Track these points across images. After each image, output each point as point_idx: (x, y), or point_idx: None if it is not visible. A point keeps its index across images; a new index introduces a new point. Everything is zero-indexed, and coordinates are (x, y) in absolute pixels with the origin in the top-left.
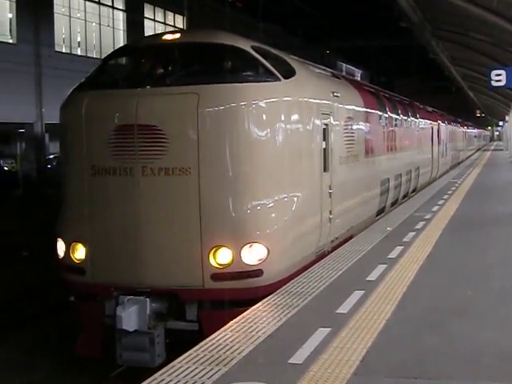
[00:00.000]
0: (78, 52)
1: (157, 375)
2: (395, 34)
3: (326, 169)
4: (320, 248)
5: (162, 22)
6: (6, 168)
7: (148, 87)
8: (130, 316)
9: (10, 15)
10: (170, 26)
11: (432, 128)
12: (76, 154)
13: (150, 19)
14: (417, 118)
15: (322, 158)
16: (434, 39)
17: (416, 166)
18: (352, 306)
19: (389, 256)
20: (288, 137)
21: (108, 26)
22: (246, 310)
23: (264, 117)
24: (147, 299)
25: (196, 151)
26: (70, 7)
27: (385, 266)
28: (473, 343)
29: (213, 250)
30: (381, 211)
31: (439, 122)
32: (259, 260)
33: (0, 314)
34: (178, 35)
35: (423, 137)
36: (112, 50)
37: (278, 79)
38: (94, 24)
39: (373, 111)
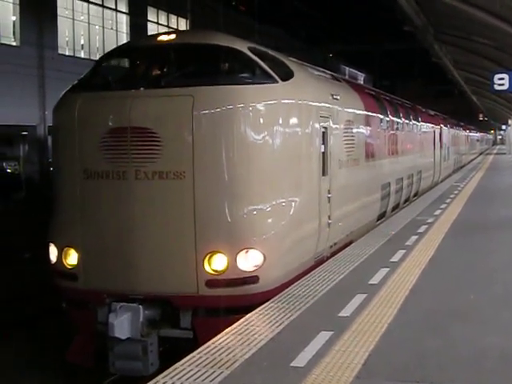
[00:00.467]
0: (82, 55)
1: (159, 378)
2: (398, 37)
3: (324, 173)
4: (318, 254)
5: (165, 25)
6: (8, 170)
7: (142, 89)
8: (122, 323)
9: (14, 18)
10: (173, 28)
11: (434, 132)
12: (68, 157)
13: (154, 22)
14: (419, 122)
15: (321, 161)
16: (436, 43)
17: (418, 170)
18: (354, 309)
19: (391, 259)
20: (285, 140)
21: (111, 28)
22: (241, 318)
23: (261, 120)
24: (140, 306)
25: (191, 155)
26: (73, 10)
27: (387, 269)
28: (475, 347)
29: (208, 256)
30: (381, 216)
31: (441, 125)
32: (255, 266)
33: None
34: (173, 36)
35: (425, 140)
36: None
37: (275, 81)
38: (97, 27)
39: (373, 114)
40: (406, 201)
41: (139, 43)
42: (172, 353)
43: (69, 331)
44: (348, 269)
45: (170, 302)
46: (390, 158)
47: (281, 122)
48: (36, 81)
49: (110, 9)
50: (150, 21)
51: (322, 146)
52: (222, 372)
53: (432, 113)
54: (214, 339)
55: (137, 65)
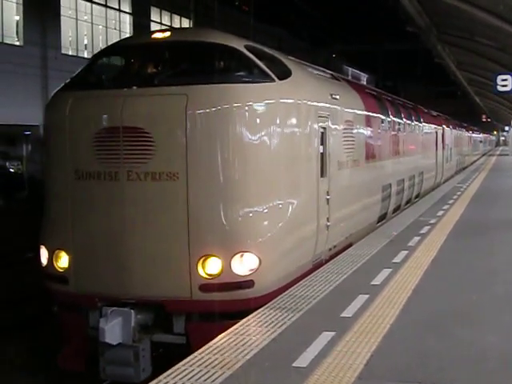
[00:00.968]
0: (85, 55)
1: (161, 377)
2: (401, 38)
3: (323, 174)
4: (317, 257)
5: (168, 25)
6: (11, 170)
7: (135, 88)
8: (113, 329)
9: (17, 17)
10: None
11: (436, 132)
12: (59, 157)
13: (157, 22)
14: (420, 122)
15: (319, 162)
16: (439, 43)
17: (419, 171)
18: (356, 309)
19: (394, 260)
20: (282, 141)
21: (115, 28)
22: (236, 323)
23: (257, 119)
24: (132, 311)
25: (184, 155)
26: (76, 10)
27: (390, 270)
28: (477, 348)
29: (201, 260)
30: (382, 218)
31: (444, 126)
32: (250, 270)
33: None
34: (168, 34)
35: (427, 141)
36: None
37: (272, 80)
38: (100, 27)
39: (374, 114)
40: (407, 202)
41: (133, 41)
42: (166, 358)
43: (53, 340)
44: (350, 269)
45: (163, 307)
46: (391, 159)
47: (278, 121)
48: (39, 80)
49: (114, 9)
50: (153, 21)
51: (321, 147)
52: (223, 372)
53: (434, 113)
54: (216, 339)
55: (130, 63)
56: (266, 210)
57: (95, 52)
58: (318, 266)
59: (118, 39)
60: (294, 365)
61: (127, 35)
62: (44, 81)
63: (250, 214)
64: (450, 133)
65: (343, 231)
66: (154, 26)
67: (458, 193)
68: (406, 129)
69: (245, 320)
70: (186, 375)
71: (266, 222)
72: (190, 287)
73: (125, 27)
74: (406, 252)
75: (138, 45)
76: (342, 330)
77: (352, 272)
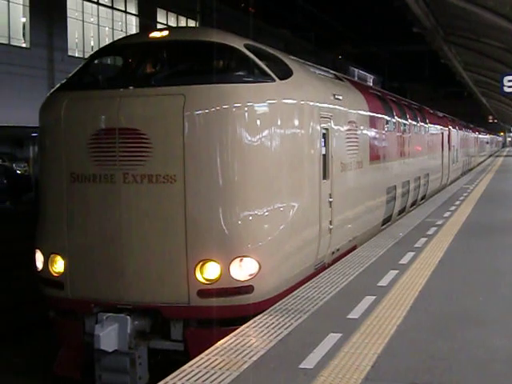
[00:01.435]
0: None
1: (168, 379)
2: (408, 39)
3: (325, 176)
4: (319, 261)
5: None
6: (18, 171)
7: (131, 88)
8: (109, 335)
9: (24, 19)
10: None
11: (442, 134)
12: (54, 160)
13: (163, 24)
14: (426, 123)
15: (322, 164)
16: (446, 44)
17: (425, 173)
18: (363, 311)
19: (400, 262)
20: (283, 142)
21: (121, 30)
22: (235, 330)
23: (257, 120)
24: (128, 317)
25: (181, 157)
26: (83, 12)
27: (396, 271)
28: (484, 349)
29: (199, 265)
30: (387, 220)
31: (450, 127)
32: (250, 275)
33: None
34: (166, 33)
35: (433, 142)
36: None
37: (272, 80)
38: (106, 28)
39: (378, 115)
40: (412, 204)
41: (130, 40)
42: (165, 365)
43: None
44: (357, 271)
45: (160, 313)
46: (395, 161)
47: (278, 122)
48: (45, 82)
49: (120, 10)
50: (159, 22)
51: (323, 149)
52: (230, 374)
53: (440, 114)
54: (223, 341)
55: (127, 62)
56: (266, 214)
57: None
58: (320, 270)
59: None
60: (300, 366)
61: None
62: (50, 83)
63: (250, 218)
64: (456, 134)
65: (347, 234)
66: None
67: (465, 194)
68: (411, 130)
69: (251, 322)
70: (192, 377)
71: (265, 226)
72: (187, 293)
73: (131, 29)
74: (413, 253)
75: (136, 44)
76: (349, 331)
77: (358, 273)
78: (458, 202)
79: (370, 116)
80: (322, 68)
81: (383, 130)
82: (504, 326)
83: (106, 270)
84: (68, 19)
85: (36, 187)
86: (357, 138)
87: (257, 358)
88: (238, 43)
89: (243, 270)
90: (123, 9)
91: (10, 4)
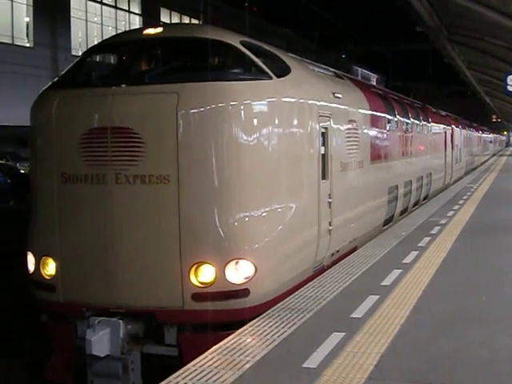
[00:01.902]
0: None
1: (171, 378)
2: (411, 38)
3: (325, 176)
4: (318, 263)
5: None
6: (22, 171)
7: (124, 86)
8: (100, 340)
9: (27, 19)
10: None
11: (445, 133)
12: (45, 160)
13: (167, 23)
14: (429, 122)
15: (321, 164)
16: (449, 43)
17: (428, 172)
18: (367, 310)
19: (404, 261)
20: (280, 141)
21: (124, 30)
22: (230, 334)
23: (253, 119)
24: (120, 321)
25: (175, 157)
26: (86, 11)
27: (400, 270)
28: (487, 349)
29: (194, 267)
30: (389, 220)
31: (453, 126)
32: (246, 278)
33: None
34: (160, 29)
35: (435, 142)
36: None
37: (269, 77)
38: (110, 28)
39: (379, 114)
40: (415, 204)
41: (124, 37)
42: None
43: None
44: (360, 270)
45: (154, 317)
46: (397, 160)
47: (275, 121)
48: (49, 82)
49: (123, 10)
50: (162, 22)
51: (322, 148)
52: (233, 373)
53: (443, 113)
54: (226, 340)
55: (120, 60)
56: (262, 215)
57: None
58: (319, 272)
59: None
60: (304, 365)
61: None
62: None
63: (246, 219)
64: (459, 133)
65: (347, 235)
66: None
67: (469, 193)
68: (414, 129)
69: (255, 321)
70: (195, 376)
71: (262, 228)
72: (181, 296)
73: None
74: (417, 252)
75: (129, 41)
76: (352, 330)
77: (362, 273)
78: (461, 202)
79: (371, 115)
80: (322, 66)
81: (384, 129)
82: (507, 325)
83: (98, 273)
84: (71, 19)
85: None
86: (357, 137)
87: (260, 358)
88: (234, 40)
89: (239, 272)
90: (126, 8)
91: (14, 4)
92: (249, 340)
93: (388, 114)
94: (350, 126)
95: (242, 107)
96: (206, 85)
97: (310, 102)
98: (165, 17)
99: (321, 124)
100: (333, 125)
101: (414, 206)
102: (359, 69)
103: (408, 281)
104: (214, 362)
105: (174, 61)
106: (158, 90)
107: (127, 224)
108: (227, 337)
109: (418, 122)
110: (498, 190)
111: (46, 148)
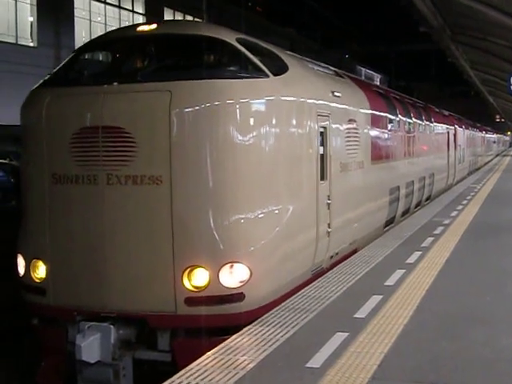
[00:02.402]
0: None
1: (174, 378)
2: (414, 38)
3: (323, 177)
4: (317, 265)
5: None
6: None
7: (115, 84)
8: (91, 346)
9: (31, 18)
10: None
11: (448, 133)
12: (36, 160)
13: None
14: (431, 122)
15: (319, 164)
16: (453, 44)
17: (430, 173)
18: (370, 310)
19: (407, 261)
20: (277, 141)
21: None
22: (225, 340)
23: (249, 118)
24: (111, 326)
25: (168, 157)
26: (90, 11)
27: (403, 270)
28: (490, 349)
29: (187, 271)
30: (390, 222)
31: (456, 126)
32: (241, 282)
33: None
34: (154, 26)
35: (438, 142)
36: None
37: (266, 75)
38: (113, 28)
39: (380, 113)
40: (417, 205)
41: (117, 34)
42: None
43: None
44: (364, 270)
45: (146, 322)
46: (399, 161)
47: (272, 121)
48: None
49: (127, 10)
50: None
51: (321, 148)
52: (237, 373)
53: (446, 113)
54: (229, 340)
55: (112, 57)
56: (258, 217)
57: None
58: (318, 275)
59: None
60: (307, 365)
61: None
62: None
63: (241, 221)
64: (462, 133)
65: (346, 237)
66: None
67: (472, 193)
68: (416, 129)
69: (258, 321)
70: (198, 376)
71: (258, 230)
72: (174, 301)
73: None
74: (420, 253)
75: (122, 38)
76: (356, 330)
77: (365, 273)
78: (464, 202)
79: (372, 114)
80: (321, 64)
81: (386, 129)
82: (510, 325)
83: (89, 276)
84: (75, 18)
85: None
86: (357, 137)
87: (263, 357)
88: (230, 37)
89: (233, 276)
90: (130, 8)
91: (18, 3)
92: (252, 340)
93: (389, 113)
94: (350, 125)
95: (237, 106)
96: (200, 83)
97: (309, 100)
98: (168, 16)
99: (319, 123)
100: (332, 124)
101: (416, 207)
102: (363, 69)
103: (411, 281)
104: (218, 362)
105: (168, 58)
106: (150, 88)
107: (119, 226)
108: (222, 342)
109: (420, 122)
110: (502, 191)
111: (37, 148)
